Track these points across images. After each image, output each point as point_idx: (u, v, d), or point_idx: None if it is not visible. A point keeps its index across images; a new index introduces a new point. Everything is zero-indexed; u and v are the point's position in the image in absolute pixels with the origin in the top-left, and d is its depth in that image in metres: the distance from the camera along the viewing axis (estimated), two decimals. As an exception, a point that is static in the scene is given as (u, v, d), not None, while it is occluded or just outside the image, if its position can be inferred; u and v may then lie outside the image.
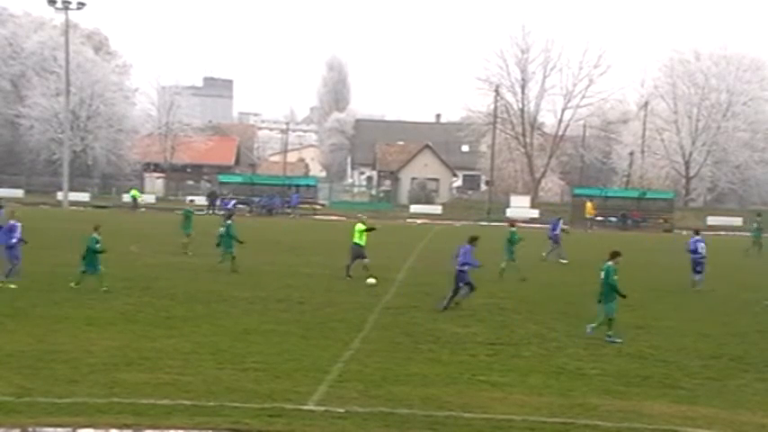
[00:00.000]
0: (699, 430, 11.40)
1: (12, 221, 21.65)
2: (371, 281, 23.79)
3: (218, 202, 66.75)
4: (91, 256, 21.04)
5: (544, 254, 33.54)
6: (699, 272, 25.83)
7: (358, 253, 25.32)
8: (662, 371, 14.63)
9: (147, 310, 18.66)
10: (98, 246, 21.10)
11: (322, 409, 11.49)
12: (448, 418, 11.30)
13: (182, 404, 11.44)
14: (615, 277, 17.05)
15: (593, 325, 17.22)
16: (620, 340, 16.78)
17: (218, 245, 27.36)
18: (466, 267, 20.07)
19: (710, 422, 11.71)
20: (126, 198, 72.21)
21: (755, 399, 13.10)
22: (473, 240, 20.51)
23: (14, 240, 21.23)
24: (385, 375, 13.45)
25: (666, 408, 12.28)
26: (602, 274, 17.11)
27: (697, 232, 27.81)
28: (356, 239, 25.38)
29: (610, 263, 17.25)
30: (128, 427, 10.52)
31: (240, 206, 63.55)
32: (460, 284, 20.19)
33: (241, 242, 26.97)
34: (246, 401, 11.66)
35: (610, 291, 16.97)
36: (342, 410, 11.42)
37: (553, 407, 12.08)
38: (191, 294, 20.83)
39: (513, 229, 27.96)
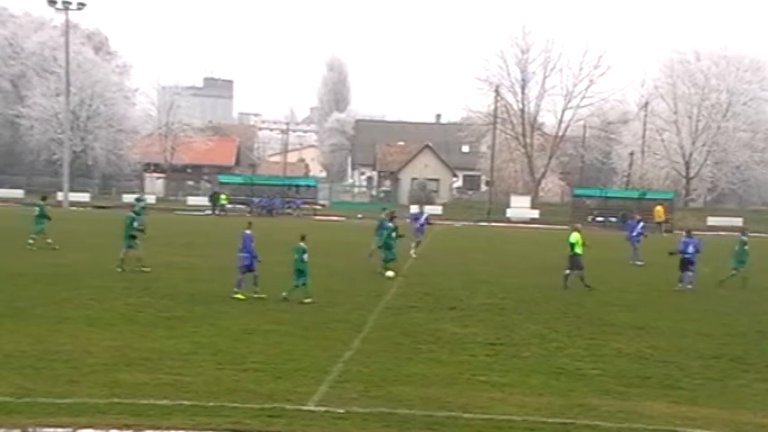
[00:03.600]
0: (699, 430, 11.40)
1: (247, 231, 21.56)
2: (390, 274, 25.89)
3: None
4: (300, 267, 20.83)
5: (631, 262, 33.00)
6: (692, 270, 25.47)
7: (578, 263, 24.96)
8: (662, 371, 14.63)
9: (147, 310, 18.66)
10: (305, 256, 20.86)
11: (322, 409, 11.50)
12: (448, 419, 11.30)
13: (182, 404, 11.44)
14: None
15: None
16: None
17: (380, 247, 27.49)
18: None
19: (710, 422, 11.71)
20: (126, 198, 72.15)
21: (755, 399, 13.11)
22: None
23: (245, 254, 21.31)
24: (385, 375, 13.46)
25: (666, 408, 12.29)
26: None
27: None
28: (579, 250, 24.84)
29: None
30: (128, 427, 10.52)
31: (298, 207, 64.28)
32: None
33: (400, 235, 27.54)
34: (246, 402, 11.66)
35: None
36: (342, 411, 11.43)
37: (553, 407, 12.08)
38: (191, 294, 20.82)
39: (745, 238, 27.42)
